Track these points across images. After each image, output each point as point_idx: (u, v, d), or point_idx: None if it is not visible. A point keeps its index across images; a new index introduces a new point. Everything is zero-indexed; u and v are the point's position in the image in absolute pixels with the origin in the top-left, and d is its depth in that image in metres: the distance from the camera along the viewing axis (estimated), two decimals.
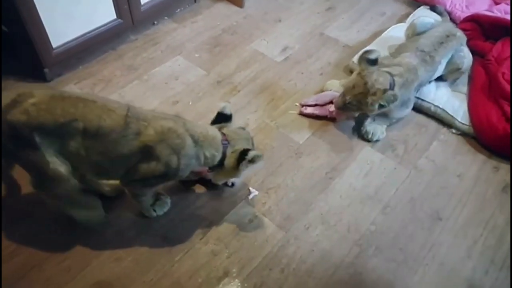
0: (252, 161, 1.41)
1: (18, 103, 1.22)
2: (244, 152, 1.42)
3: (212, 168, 1.50)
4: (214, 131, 1.46)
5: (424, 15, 2.39)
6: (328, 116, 1.98)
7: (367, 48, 2.27)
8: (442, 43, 1.96)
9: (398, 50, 2.05)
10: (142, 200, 1.52)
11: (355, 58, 2.22)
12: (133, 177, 1.36)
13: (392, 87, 1.76)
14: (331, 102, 1.97)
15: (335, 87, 2.06)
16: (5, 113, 1.21)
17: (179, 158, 1.35)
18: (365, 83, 1.74)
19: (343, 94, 1.83)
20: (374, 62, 1.78)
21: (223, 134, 1.46)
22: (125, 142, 1.29)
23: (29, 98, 1.23)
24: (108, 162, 1.33)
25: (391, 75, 1.79)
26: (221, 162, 1.45)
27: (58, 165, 1.29)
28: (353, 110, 1.84)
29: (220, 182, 1.64)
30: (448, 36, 1.99)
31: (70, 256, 1.48)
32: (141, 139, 1.30)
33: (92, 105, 1.27)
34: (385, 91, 1.71)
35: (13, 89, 1.27)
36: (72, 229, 1.53)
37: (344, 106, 1.83)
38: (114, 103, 1.33)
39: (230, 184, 1.70)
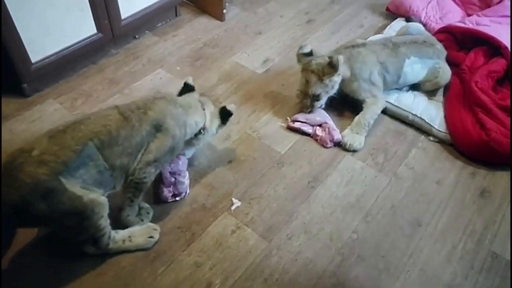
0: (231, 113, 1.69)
1: (22, 163, 1.21)
2: (224, 108, 1.67)
3: (195, 137, 1.64)
4: (193, 100, 1.65)
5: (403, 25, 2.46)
6: (312, 137, 2.00)
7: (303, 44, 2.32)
8: (415, 42, 2.07)
9: None
10: (136, 203, 1.53)
11: None
12: (147, 159, 1.44)
13: (333, 63, 1.89)
14: (319, 125, 1.99)
15: None
16: (25, 177, 1.19)
17: (180, 128, 1.51)
18: (312, 71, 1.92)
19: (304, 95, 1.99)
20: (309, 54, 1.99)
21: (200, 102, 1.66)
22: (135, 131, 1.40)
23: (31, 152, 1.22)
24: (127, 158, 1.40)
25: (328, 56, 1.94)
26: (203, 128, 1.64)
27: (90, 193, 1.29)
28: (323, 98, 1.98)
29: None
30: (425, 42, 2.06)
31: (48, 273, 1.45)
32: (148, 121, 1.43)
33: (90, 121, 1.34)
34: (329, 62, 1.89)
35: None
36: (48, 245, 1.51)
37: (312, 103, 1.98)
38: (102, 111, 1.43)
39: None
